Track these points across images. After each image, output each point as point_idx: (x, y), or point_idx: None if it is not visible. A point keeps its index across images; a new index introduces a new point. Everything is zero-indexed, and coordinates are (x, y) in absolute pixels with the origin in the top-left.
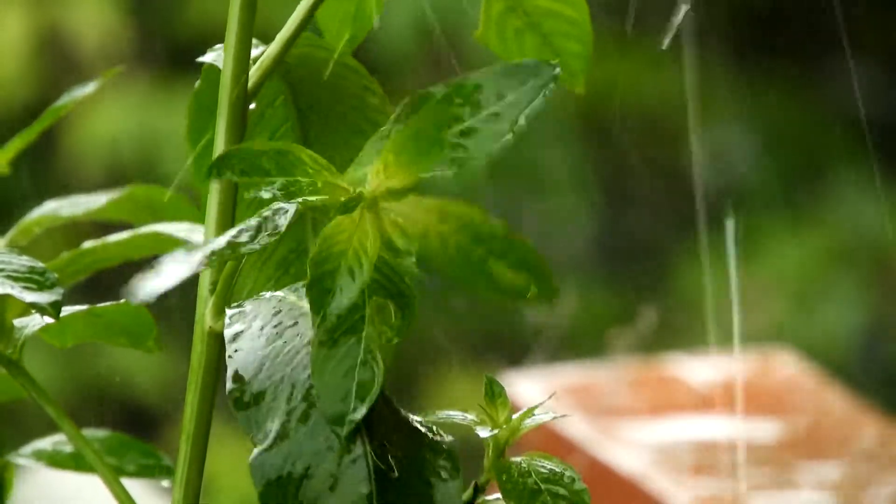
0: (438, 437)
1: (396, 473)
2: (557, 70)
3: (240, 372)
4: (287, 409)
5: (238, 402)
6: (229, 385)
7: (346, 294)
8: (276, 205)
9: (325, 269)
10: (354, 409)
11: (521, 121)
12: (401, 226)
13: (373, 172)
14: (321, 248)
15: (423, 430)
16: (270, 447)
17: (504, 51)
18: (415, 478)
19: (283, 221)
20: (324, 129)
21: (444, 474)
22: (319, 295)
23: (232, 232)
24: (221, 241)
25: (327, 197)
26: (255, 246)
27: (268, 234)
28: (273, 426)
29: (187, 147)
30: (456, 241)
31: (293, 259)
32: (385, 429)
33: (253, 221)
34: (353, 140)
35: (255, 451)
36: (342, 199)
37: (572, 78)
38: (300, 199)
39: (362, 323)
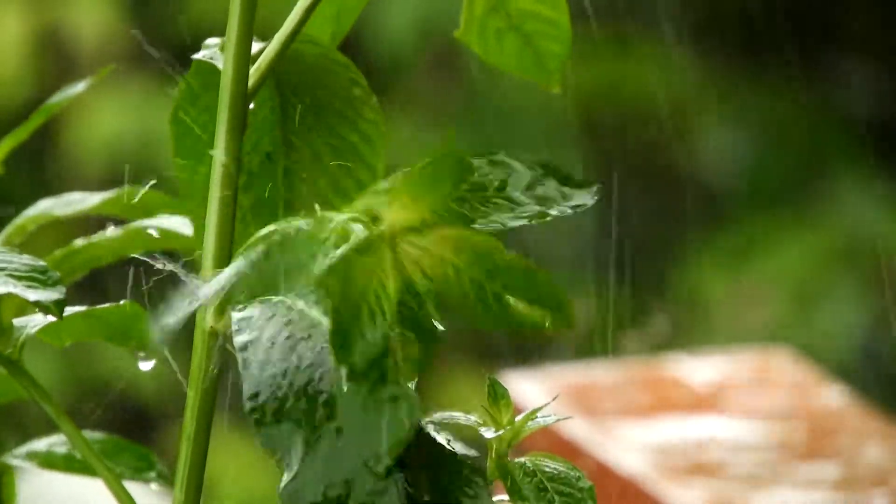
0: (463, 453)
1: (426, 498)
2: (593, 198)
3: (257, 388)
4: (311, 431)
5: (258, 421)
6: (247, 403)
7: (370, 341)
8: (292, 224)
9: (348, 316)
10: (388, 450)
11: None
12: (420, 265)
13: (391, 210)
14: (342, 292)
15: (447, 446)
16: (299, 474)
17: (485, 50)
18: (445, 499)
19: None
20: (306, 113)
21: (473, 493)
22: (344, 342)
23: (255, 255)
24: (242, 264)
25: (342, 236)
26: (272, 266)
27: (284, 259)
28: (298, 450)
29: (170, 128)
30: (471, 275)
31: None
32: (411, 451)
33: (275, 239)
34: (337, 125)
35: (284, 479)
36: (359, 235)
37: (549, 77)
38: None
39: (387, 357)
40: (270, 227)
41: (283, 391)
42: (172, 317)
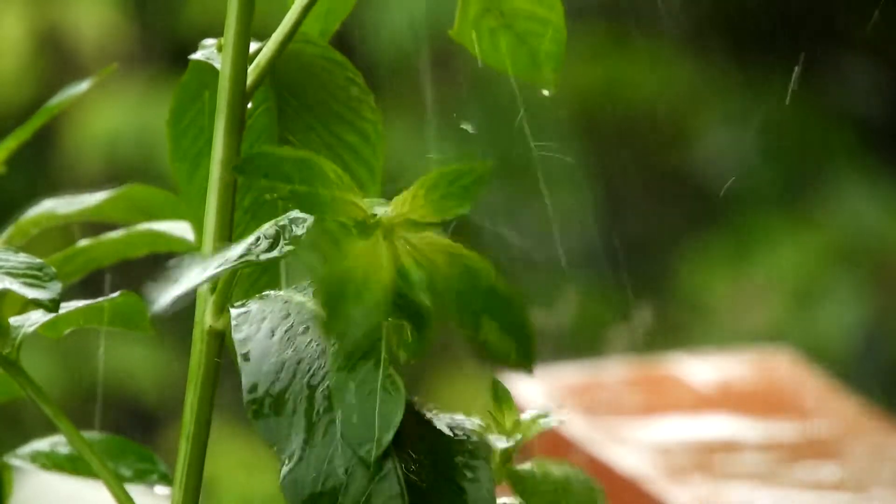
0: (464, 436)
1: (427, 483)
2: None
3: (255, 381)
4: (309, 421)
5: (257, 412)
6: (246, 395)
7: (361, 322)
8: (293, 213)
9: (340, 296)
10: (380, 437)
11: None
12: (415, 257)
13: (398, 201)
14: (335, 272)
15: (447, 430)
16: (299, 463)
17: (479, 50)
18: (446, 484)
19: (301, 231)
20: (303, 113)
21: (473, 476)
22: (333, 322)
23: (250, 240)
24: (239, 249)
25: (344, 216)
26: (274, 255)
27: (286, 244)
28: (297, 440)
29: (167, 130)
30: (457, 288)
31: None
32: (410, 436)
33: (270, 230)
34: (333, 125)
35: (285, 468)
36: (359, 218)
37: (544, 77)
38: (319, 213)
39: (380, 345)
40: (268, 225)
41: (282, 383)
42: (183, 287)
